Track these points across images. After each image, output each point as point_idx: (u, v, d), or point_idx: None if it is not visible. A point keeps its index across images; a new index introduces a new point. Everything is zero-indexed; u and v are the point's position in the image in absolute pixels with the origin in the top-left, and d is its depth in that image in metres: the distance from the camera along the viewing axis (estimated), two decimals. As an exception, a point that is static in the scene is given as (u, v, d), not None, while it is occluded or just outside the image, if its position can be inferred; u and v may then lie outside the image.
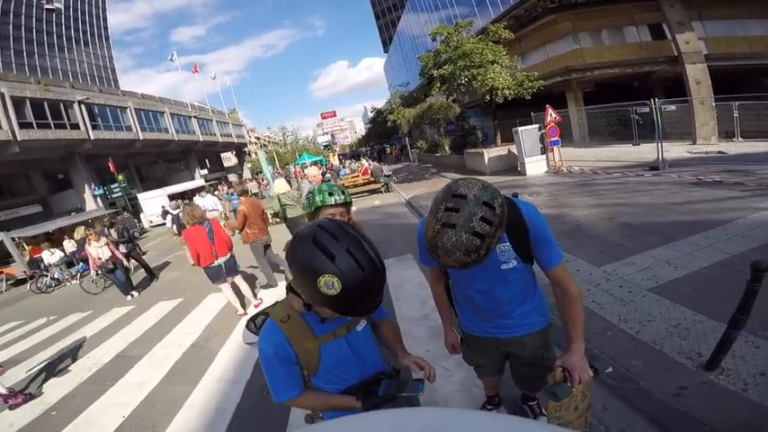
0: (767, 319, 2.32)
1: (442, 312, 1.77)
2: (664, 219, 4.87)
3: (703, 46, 13.47)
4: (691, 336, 2.49)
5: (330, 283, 0.93)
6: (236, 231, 5.35)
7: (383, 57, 58.60)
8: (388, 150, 37.62)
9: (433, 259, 1.23)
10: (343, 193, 1.92)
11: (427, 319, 3.54)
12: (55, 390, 3.95)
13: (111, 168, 19.65)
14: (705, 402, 1.97)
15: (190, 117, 32.32)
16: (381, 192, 13.63)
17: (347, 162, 25.38)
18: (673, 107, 11.76)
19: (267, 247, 5.50)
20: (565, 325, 1.39)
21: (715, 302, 2.72)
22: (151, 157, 30.42)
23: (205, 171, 34.84)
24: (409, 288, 4.35)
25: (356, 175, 15.48)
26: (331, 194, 1.85)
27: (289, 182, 12.27)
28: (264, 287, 5.53)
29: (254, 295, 5.15)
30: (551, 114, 9.73)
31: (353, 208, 2.03)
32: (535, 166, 10.46)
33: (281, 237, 7.57)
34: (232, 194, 12.98)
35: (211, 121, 36.50)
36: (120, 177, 19.78)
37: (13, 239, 13.99)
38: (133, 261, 8.35)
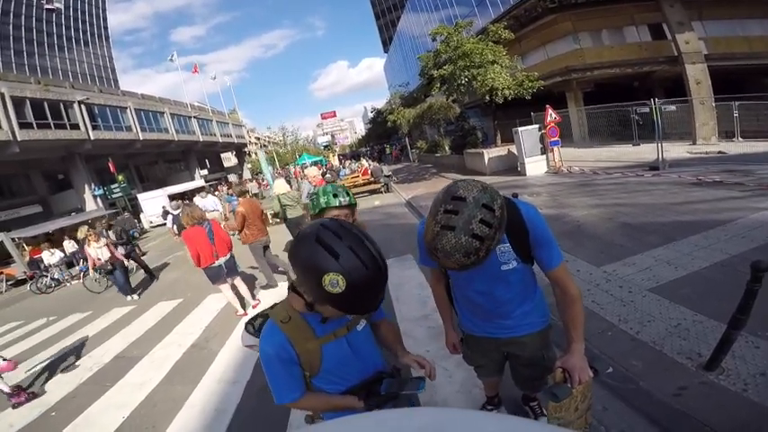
0: (767, 319, 2.32)
1: (443, 312, 1.77)
2: (664, 219, 4.87)
3: (703, 46, 13.47)
4: (691, 336, 2.49)
5: (335, 282, 0.94)
6: (236, 232, 5.35)
7: (383, 57, 58.68)
8: (387, 151, 37.62)
9: (432, 260, 1.23)
10: (348, 194, 1.90)
11: (427, 320, 3.54)
12: (55, 390, 3.95)
13: (112, 168, 19.65)
14: (705, 402, 1.97)
15: (190, 117, 32.33)
16: (381, 192, 13.64)
17: (347, 162, 25.39)
18: (673, 107, 11.77)
19: (266, 247, 5.50)
20: (565, 325, 1.39)
21: (715, 303, 2.71)
22: (151, 157, 30.42)
23: (205, 171, 34.81)
24: (409, 288, 4.35)
25: (356, 175, 15.49)
26: (336, 196, 1.84)
27: (289, 182, 12.28)
28: (264, 287, 5.52)
29: (253, 296, 5.15)
30: (551, 114, 9.73)
31: (355, 208, 2.04)
32: (535, 167, 10.46)
33: (280, 237, 7.56)
34: (231, 196, 12.97)
35: (211, 121, 36.50)
36: (120, 178, 19.78)
37: (13, 240, 13.99)
38: (132, 262, 8.35)
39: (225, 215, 12.61)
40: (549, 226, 1.38)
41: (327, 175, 11.89)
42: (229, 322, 4.62)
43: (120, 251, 7.25)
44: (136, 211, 21.26)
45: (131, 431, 3.00)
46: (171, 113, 29.25)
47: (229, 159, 46.97)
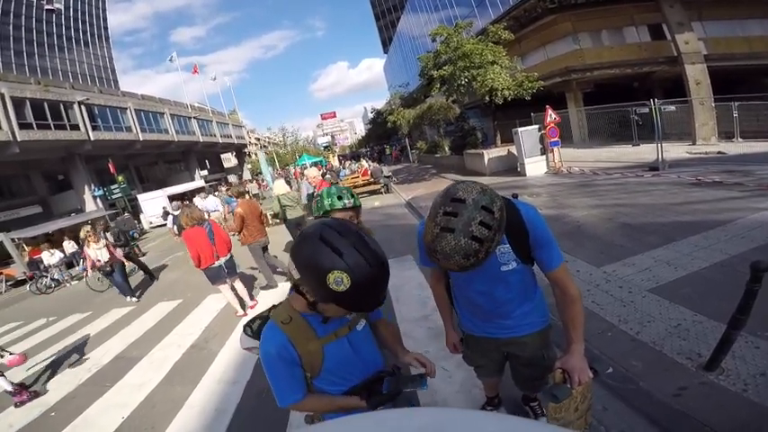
0: (767, 319, 2.32)
1: (443, 312, 1.77)
2: (663, 219, 4.88)
3: (703, 46, 13.48)
4: (690, 336, 2.49)
5: (339, 280, 0.95)
6: (236, 233, 5.35)
7: (383, 57, 58.63)
8: (387, 151, 37.61)
9: (432, 262, 1.23)
10: (353, 196, 1.87)
11: (427, 320, 3.54)
12: (54, 390, 3.94)
13: (111, 169, 19.65)
14: (705, 403, 1.97)
15: (190, 118, 32.32)
16: (381, 193, 13.64)
17: (347, 163, 25.37)
18: (672, 107, 11.77)
19: (264, 248, 5.50)
20: (565, 326, 1.39)
21: (715, 303, 2.72)
22: (151, 157, 30.40)
23: (205, 172, 34.81)
24: (409, 289, 4.35)
25: (356, 176, 15.49)
26: (340, 198, 1.82)
27: (288, 183, 12.28)
28: (264, 288, 5.52)
29: (252, 296, 5.15)
30: (551, 115, 9.74)
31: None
32: (535, 167, 10.47)
33: (280, 238, 7.59)
34: (230, 197, 12.96)
35: (211, 121, 36.50)
36: (120, 178, 19.78)
37: (12, 240, 14.00)
38: (130, 263, 8.31)
39: (225, 216, 12.63)
40: (549, 226, 1.38)
41: (327, 176, 11.90)
42: (229, 323, 4.61)
43: (119, 252, 7.23)
44: (136, 211, 21.26)
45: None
46: (171, 114, 29.25)
47: (229, 160, 46.98)
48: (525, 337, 1.56)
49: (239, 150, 45.89)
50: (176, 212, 9.42)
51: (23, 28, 47.76)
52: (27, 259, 13.72)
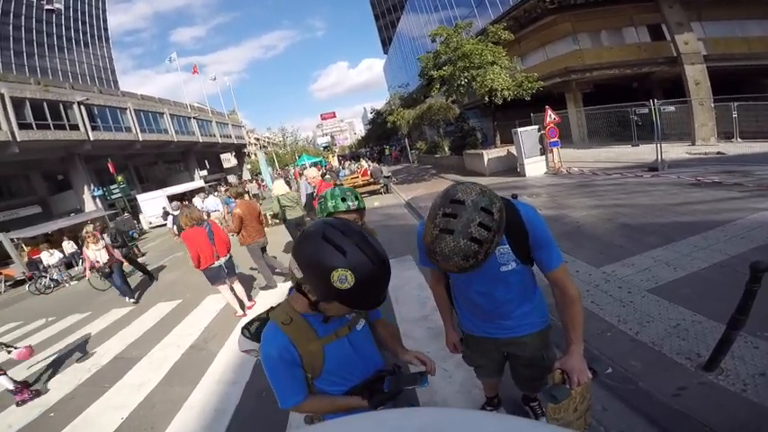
0: (766, 319, 2.32)
1: (443, 312, 1.78)
2: (663, 220, 4.88)
3: (702, 47, 13.49)
4: (690, 336, 2.49)
5: (343, 278, 0.96)
6: (235, 234, 5.35)
7: (383, 58, 58.66)
8: (387, 151, 37.60)
9: (432, 263, 1.23)
10: (357, 198, 1.85)
11: (427, 321, 3.54)
12: (54, 391, 3.94)
13: (111, 169, 19.64)
14: (704, 403, 1.97)
15: (189, 118, 32.31)
16: (381, 193, 13.65)
17: (347, 163, 25.37)
18: (672, 108, 11.77)
19: (263, 249, 5.50)
20: (564, 326, 1.39)
21: (714, 303, 2.72)
22: (151, 158, 30.38)
23: (204, 172, 34.78)
24: (409, 290, 4.34)
25: (355, 176, 15.50)
26: (344, 200, 1.80)
27: (288, 183, 12.27)
28: (264, 288, 5.52)
29: (250, 297, 5.15)
30: (551, 115, 9.74)
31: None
32: (534, 168, 10.47)
33: (279, 238, 7.59)
34: (229, 198, 12.94)
35: (211, 122, 36.49)
36: (120, 178, 19.78)
37: (12, 240, 13.98)
38: (127, 264, 8.28)
39: (224, 216, 12.65)
40: (549, 227, 1.38)
41: (327, 176, 11.89)
42: (228, 323, 4.61)
43: (117, 253, 7.21)
44: (135, 211, 21.26)
45: (130, 432, 2.99)
46: (170, 114, 29.24)
47: (229, 160, 46.97)
48: (525, 337, 1.57)
49: (239, 150, 45.88)
50: (176, 212, 9.42)
51: (23, 28, 47.73)
52: (26, 259, 13.71)
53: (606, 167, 9.37)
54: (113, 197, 20.02)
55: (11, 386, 3.72)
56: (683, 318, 2.70)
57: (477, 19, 18.19)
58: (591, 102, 14.89)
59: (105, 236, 7.56)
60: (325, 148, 50.97)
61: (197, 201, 15.20)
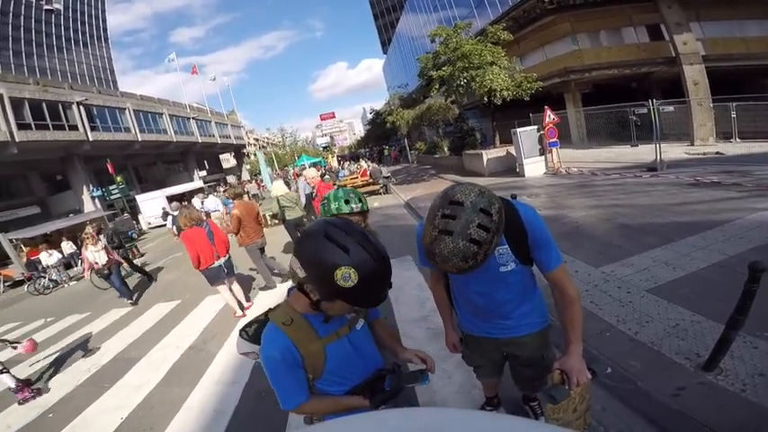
0: (765, 319, 2.33)
1: (443, 312, 1.78)
2: (662, 220, 4.88)
3: (701, 47, 13.52)
4: (689, 336, 2.49)
5: (347, 276, 0.96)
6: (234, 234, 5.34)
7: (382, 58, 58.61)
8: (386, 152, 37.61)
9: (431, 264, 1.23)
10: (361, 200, 1.84)
11: (426, 321, 3.54)
12: (53, 391, 3.94)
13: (110, 170, 19.61)
14: (703, 403, 1.97)
15: (188, 118, 32.30)
16: (380, 193, 13.64)
17: (346, 164, 25.37)
18: (671, 108, 11.80)
19: (262, 250, 5.49)
20: (563, 327, 1.39)
21: (713, 303, 2.72)
22: (150, 158, 30.37)
23: (204, 172, 34.78)
24: (409, 290, 4.34)
25: (355, 176, 15.50)
26: (347, 202, 1.80)
27: (287, 184, 12.27)
28: (263, 289, 5.52)
29: (248, 298, 5.14)
30: (550, 115, 9.75)
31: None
32: (534, 168, 10.48)
33: (278, 238, 7.58)
34: (227, 198, 12.92)
35: (210, 122, 36.48)
36: (119, 179, 19.75)
37: (10, 241, 13.95)
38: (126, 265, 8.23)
39: (224, 216, 12.65)
40: (548, 227, 1.38)
41: (326, 177, 11.89)
42: (227, 324, 4.61)
43: (116, 254, 7.19)
44: (134, 212, 21.23)
45: (129, 433, 2.99)
46: (170, 114, 29.23)
47: (228, 161, 46.95)
48: (525, 337, 1.57)
49: (238, 151, 45.86)
50: (175, 213, 9.42)
51: (22, 28, 47.68)
52: (25, 260, 13.68)
53: (605, 168, 9.38)
54: (112, 197, 19.99)
55: (13, 384, 3.73)
56: (682, 318, 2.70)
57: (477, 19, 18.20)
58: (590, 102, 14.90)
59: (102, 237, 7.54)
60: (324, 148, 50.89)
61: (196, 201, 15.20)
